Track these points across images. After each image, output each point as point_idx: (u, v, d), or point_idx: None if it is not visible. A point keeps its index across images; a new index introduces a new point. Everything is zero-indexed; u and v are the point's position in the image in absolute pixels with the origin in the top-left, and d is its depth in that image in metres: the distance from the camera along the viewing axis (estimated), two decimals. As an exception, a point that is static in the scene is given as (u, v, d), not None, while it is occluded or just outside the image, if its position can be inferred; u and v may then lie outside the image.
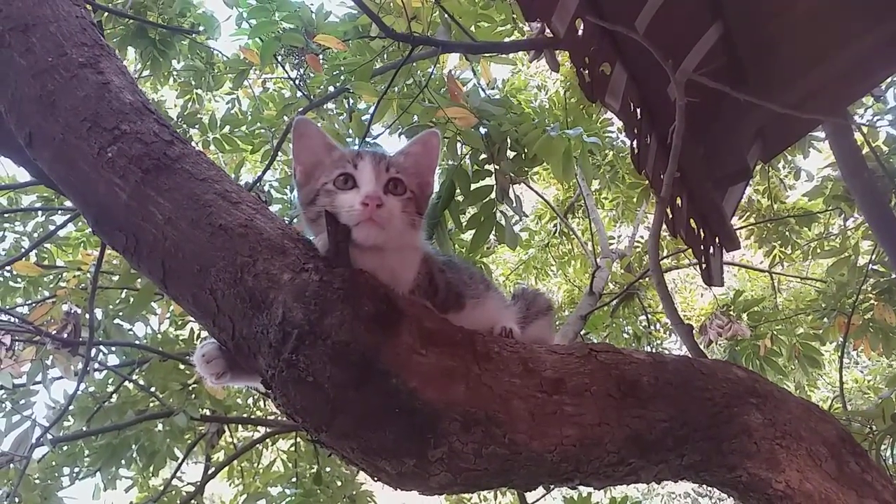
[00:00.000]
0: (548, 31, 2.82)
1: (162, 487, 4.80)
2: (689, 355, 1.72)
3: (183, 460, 4.70)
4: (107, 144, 1.22)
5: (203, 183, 1.20)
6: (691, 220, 2.90)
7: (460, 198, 3.43)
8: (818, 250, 6.04)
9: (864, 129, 4.42)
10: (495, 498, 6.70)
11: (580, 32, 2.37)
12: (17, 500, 3.67)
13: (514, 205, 3.51)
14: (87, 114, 1.25)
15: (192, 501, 4.61)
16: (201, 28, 5.14)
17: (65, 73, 1.29)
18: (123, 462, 4.32)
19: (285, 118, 4.51)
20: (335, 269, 1.12)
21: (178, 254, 1.16)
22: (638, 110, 2.63)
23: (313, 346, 1.04)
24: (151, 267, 1.20)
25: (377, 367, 1.06)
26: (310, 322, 1.05)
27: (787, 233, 6.19)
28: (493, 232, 3.45)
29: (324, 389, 1.04)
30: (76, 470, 4.48)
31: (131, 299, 4.16)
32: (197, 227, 1.15)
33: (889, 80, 4.68)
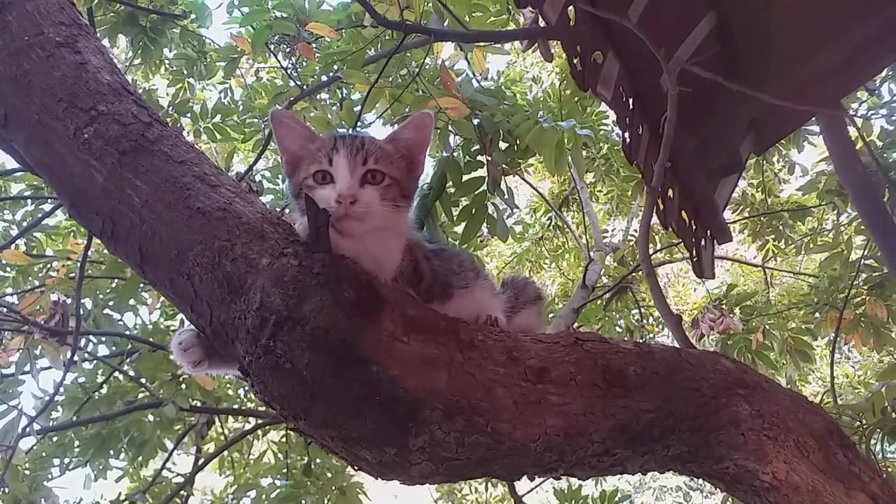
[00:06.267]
0: (541, 19, 2.79)
1: (152, 478, 4.78)
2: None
3: (173, 451, 4.69)
4: (83, 125, 1.19)
5: (181, 165, 1.18)
6: (683, 212, 2.88)
7: (452, 189, 3.41)
8: (811, 245, 6.03)
9: (859, 123, 4.40)
10: (486, 490, 6.70)
11: (572, 20, 2.34)
12: (4, 490, 3.64)
13: (506, 196, 3.49)
14: (63, 94, 1.22)
15: (182, 492, 4.60)
16: (192, 16, 5.08)
17: (41, 53, 1.26)
18: (113, 452, 4.31)
19: (277, 107, 4.47)
20: (315, 254, 1.09)
21: (155, 238, 1.13)
22: (630, 100, 2.60)
23: (291, 332, 1.02)
24: (128, 251, 1.17)
25: (357, 354, 1.04)
26: (288, 307, 1.03)
27: (780, 227, 6.19)
28: (485, 224, 3.43)
29: (302, 376, 1.02)
30: (66, 460, 4.46)
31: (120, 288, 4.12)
32: (174, 211, 1.13)
33: (883, 74, 4.67)
